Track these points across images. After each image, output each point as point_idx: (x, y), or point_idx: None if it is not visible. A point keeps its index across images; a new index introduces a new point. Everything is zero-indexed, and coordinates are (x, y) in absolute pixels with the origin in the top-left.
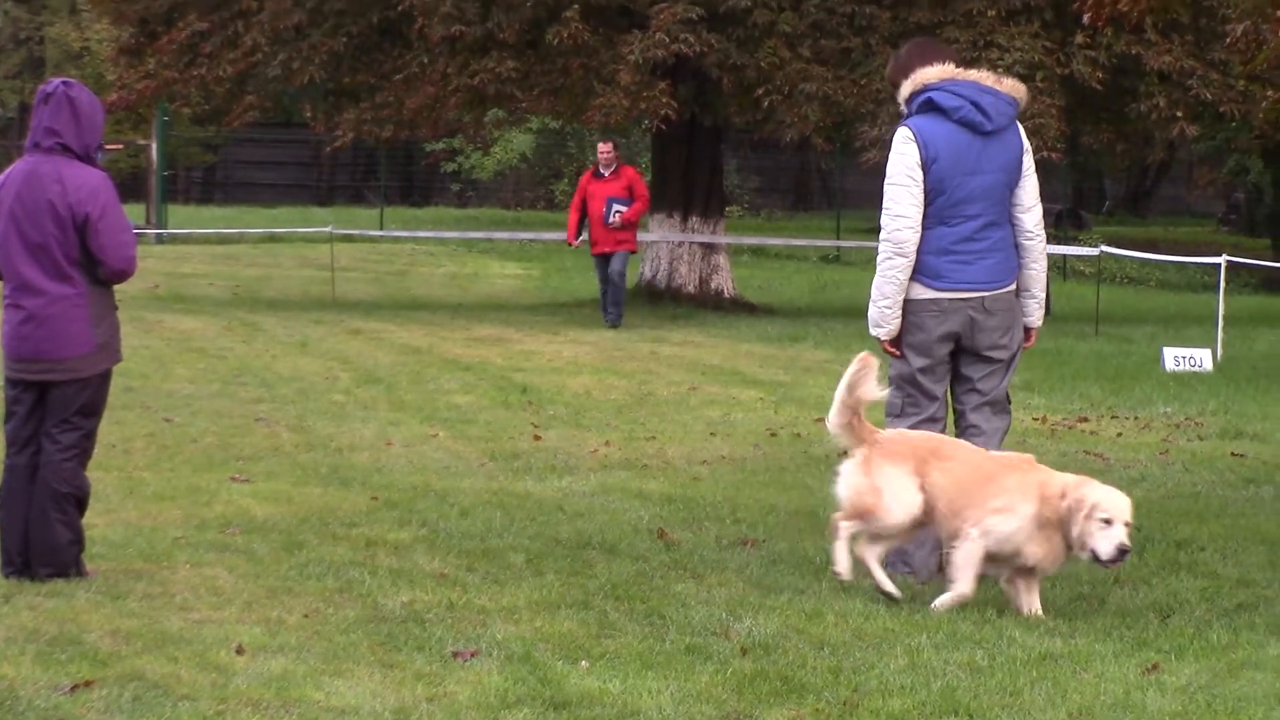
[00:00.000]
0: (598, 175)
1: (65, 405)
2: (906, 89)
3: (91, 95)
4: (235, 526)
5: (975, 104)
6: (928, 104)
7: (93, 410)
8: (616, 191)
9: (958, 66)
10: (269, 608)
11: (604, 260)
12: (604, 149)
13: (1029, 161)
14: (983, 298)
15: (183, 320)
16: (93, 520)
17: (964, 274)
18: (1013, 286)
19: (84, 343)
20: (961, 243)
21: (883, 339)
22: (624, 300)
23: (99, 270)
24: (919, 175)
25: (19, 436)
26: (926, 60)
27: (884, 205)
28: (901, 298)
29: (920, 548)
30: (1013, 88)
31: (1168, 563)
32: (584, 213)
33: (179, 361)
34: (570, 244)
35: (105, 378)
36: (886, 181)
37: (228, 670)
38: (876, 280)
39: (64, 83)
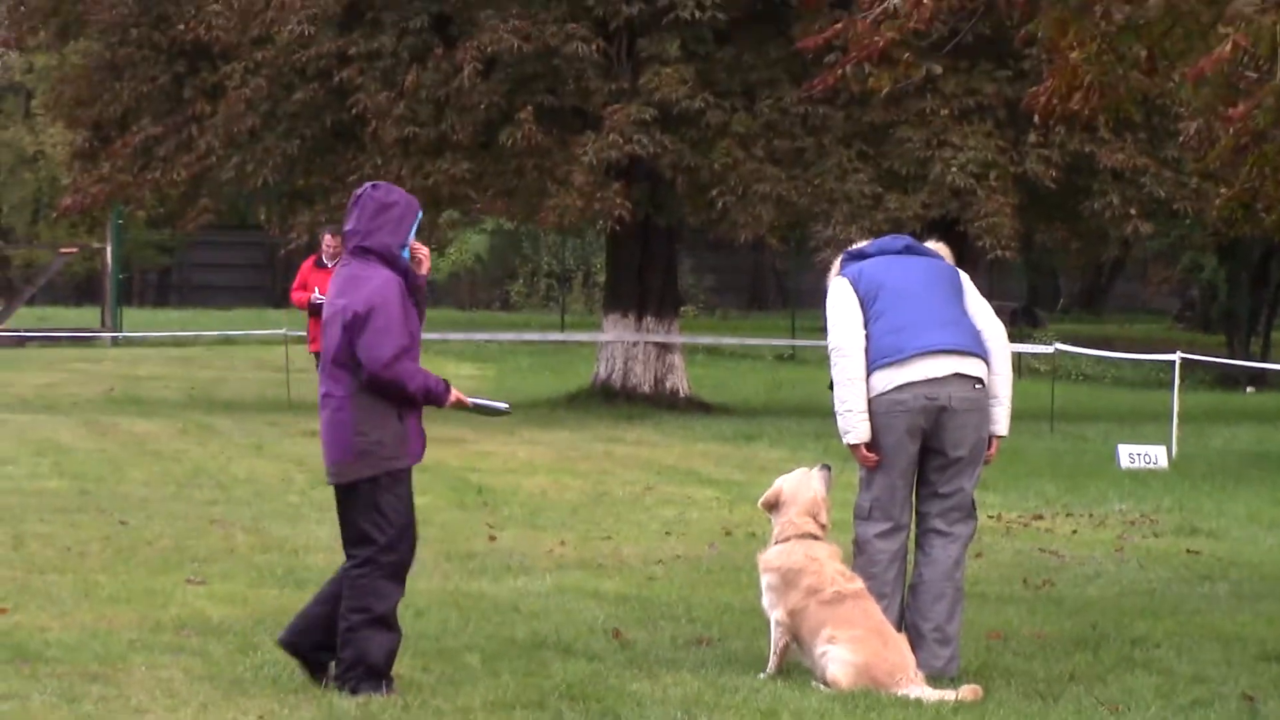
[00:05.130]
0: (320, 265)
1: (343, 514)
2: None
3: (390, 193)
4: (190, 628)
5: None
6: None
7: (368, 522)
8: None
9: None
10: (224, 710)
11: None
12: (329, 241)
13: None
14: (950, 393)
15: (138, 423)
16: (47, 623)
17: (928, 337)
18: (983, 370)
19: (344, 448)
20: (913, 317)
21: (853, 444)
22: None
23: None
24: (855, 308)
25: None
26: None
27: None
28: (863, 398)
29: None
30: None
31: (1123, 659)
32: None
33: (134, 464)
34: (305, 306)
35: (375, 489)
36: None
37: None
38: (835, 388)
39: (371, 185)
